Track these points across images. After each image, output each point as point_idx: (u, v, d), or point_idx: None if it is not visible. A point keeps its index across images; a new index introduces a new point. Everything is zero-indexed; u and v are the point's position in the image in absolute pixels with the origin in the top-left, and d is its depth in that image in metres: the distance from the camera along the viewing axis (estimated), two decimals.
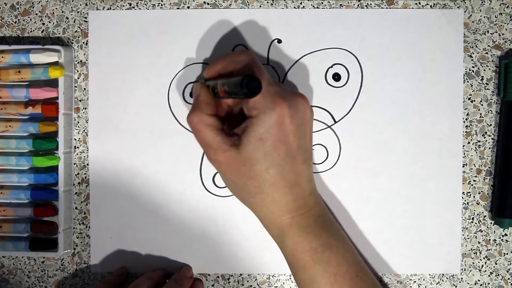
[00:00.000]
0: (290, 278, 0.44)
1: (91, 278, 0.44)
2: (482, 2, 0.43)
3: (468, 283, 0.43)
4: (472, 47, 0.43)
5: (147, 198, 0.44)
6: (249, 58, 0.36)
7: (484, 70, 0.43)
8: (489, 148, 0.43)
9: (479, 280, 0.43)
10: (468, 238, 0.43)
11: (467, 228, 0.43)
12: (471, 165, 0.43)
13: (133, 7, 0.44)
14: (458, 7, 0.43)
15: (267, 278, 0.44)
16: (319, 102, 0.43)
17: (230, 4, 0.44)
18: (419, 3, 0.43)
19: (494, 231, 0.43)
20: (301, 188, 0.36)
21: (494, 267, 0.43)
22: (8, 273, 0.45)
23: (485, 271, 0.43)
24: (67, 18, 0.44)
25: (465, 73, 0.43)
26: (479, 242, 0.43)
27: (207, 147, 0.36)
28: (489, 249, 0.43)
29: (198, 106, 0.36)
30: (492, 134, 0.43)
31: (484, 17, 0.43)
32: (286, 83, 0.43)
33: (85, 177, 0.44)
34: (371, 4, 0.43)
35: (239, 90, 0.31)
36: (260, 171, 0.35)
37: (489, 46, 0.43)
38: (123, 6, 0.44)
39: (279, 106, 0.34)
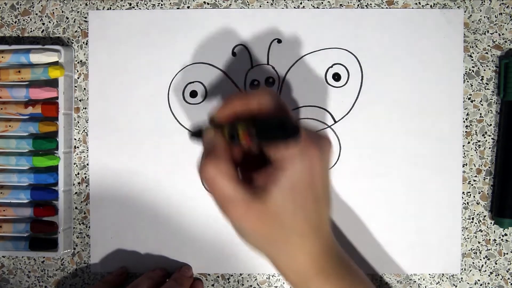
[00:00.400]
0: None
1: (91, 278, 0.44)
2: (482, 2, 0.43)
3: (468, 283, 0.43)
4: (472, 47, 0.43)
5: (147, 198, 0.44)
6: (276, 98, 0.32)
7: (484, 70, 0.43)
8: (489, 148, 0.43)
9: (479, 280, 0.43)
10: (468, 238, 0.43)
11: (467, 228, 0.43)
12: (471, 165, 0.43)
13: (133, 7, 0.44)
14: (458, 7, 0.43)
15: (267, 278, 0.44)
16: (319, 102, 0.43)
17: (230, 4, 0.44)
18: (419, 3, 0.43)
19: (494, 231, 0.43)
20: (324, 231, 0.34)
21: (494, 267, 0.43)
22: (8, 273, 0.45)
23: (485, 271, 0.43)
24: (67, 18, 0.44)
25: (465, 73, 0.43)
26: (479, 242, 0.43)
27: (226, 200, 0.31)
28: (489, 249, 0.43)
29: (213, 154, 0.31)
30: (492, 134, 0.43)
31: (484, 17, 0.43)
32: (286, 83, 0.43)
33: (85, 177, 0.44)
34: (371, 4, 0.43)
35: (275, 134, 0.28)
36: (287, 220, 0.32)
37: (489, 46, 0.43)
38: (123, 6, 0.44)
39: (311, 151, 0.31)
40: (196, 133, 0.35)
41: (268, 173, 0.32)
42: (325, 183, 0.33)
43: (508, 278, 0.43)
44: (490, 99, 0.43)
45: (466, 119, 0.43)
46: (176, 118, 0.44)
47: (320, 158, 0.32)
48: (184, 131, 0.44)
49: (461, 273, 0.43)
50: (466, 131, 0.43)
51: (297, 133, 0.28)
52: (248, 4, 0.44)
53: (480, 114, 0.43)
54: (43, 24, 0.44)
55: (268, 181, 0.31)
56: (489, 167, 0.43)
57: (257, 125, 0.30)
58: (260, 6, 0.44)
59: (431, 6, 0.43)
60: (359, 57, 0.43)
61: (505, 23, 0.43)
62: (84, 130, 0.44)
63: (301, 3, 0.43)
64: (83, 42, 0.44)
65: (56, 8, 0.44)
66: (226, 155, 0.32)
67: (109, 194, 0.44)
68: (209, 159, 0.31)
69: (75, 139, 0.44)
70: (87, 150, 0.44)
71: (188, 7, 0.44)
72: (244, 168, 0.34)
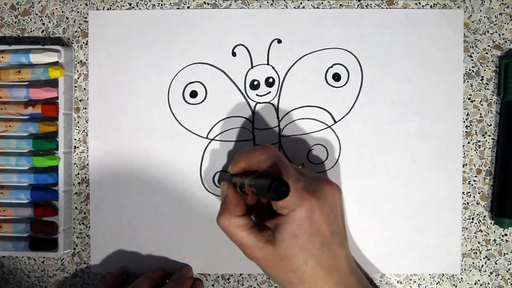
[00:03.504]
0: None
1: (91, 278, 0.44)
2: (482, 2, 0.43)
3: (468, 283, 0.43)
4: (472, 47, 0.43)
5: (147, 198, 0.44)
6: (273, 154, 0.36)
7: (484, 70, 0.43)
8: (489, 148, 0.43)
9: (479, 280, 0.43)
10: (468, 238, 0.43)
11: (467, 228, 0.43)
12: (471, 165, 0.43)
13: (133, 7, 0.44)
14: (458, 7, 0.43)
15: (267, 278, 0.44)
16: (319, 102, 0.43)
17: (230, 4, 0.44)
18: (419, 3, 0.43)
19: (494, 231, 0.43)
20: (340, 271, 0.37)
21: (494, 267, 0.43)
22: (8, 273, 0.45)
23: (485, 271, 0.43)
24: (67, 18, 0.44)
25: (465, 73, 0.43)
26: (479, 242, 0.43)
27: (242, 247, 0.36)
28: (489, 249, 0.43)
29: (227, 208, 0.37)
30: (492, 134, 0.43)
31: (484, 17, 0.43)
32: (286, 83, 0.43)
33: (85, 177, 0.44)
34: (371, 4, 0.43)
35: (266, 194, 0.31)
36: (298, 264, 0.35)
37: (489, 46, 0.43)
38: (123, 6, 0.44)
39: (307, 201, 0.34)
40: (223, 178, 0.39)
41: (275, 221, 0.36)
42: (333, 227, 0.36)
43: (508, 278, 0.43)
44: (490, 99, 0.43)
45: (466, 119, 0.43)
46: (176, 118, 0.44)
47: (319, 207, 0.35)
48: (184, 131, 0.44)
49: (461, 273, 0.43)
50: (466, 131, 0.43)
51: (284, 194, 0.31)
52: (248, 4, 0.44)
53: (480, 114, 0.43)
54: (43, 24, 0.44)
55: (275, 228, 0.35)
56: (489, 167, 0.43)
57: (253, 185, 0.34)
58: (260, 6, 0.44)
59: (431, 6, 0.43)
60: (359, 57, 0.43)
61: (505, 23, 0.43)
62: (84, 130, 0.44)
63: (301, 3, 0.43)
64: (83, 42, 0.44)
65: (56, 8, 0.44)
66: (238, 208, 0.36)
67: (109, 194, 0.44)
68: (223, 212, 0.37)
69: (75, 139, 0.44)
70: (87, 150, 0.44)
71: (188, 7, 0.44)
72: (260, 211, 0.39)
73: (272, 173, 0.35)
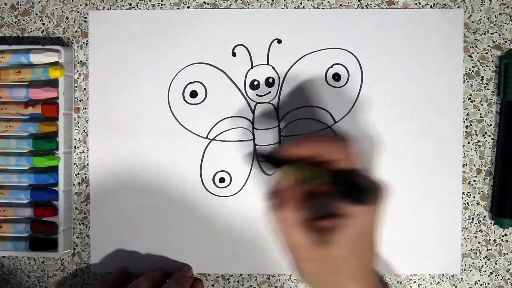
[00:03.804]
0: (290, 278, 0.44)
1: (91, 278, 0.44)
2: (482, 2, 0.43)
3: (468, 283, 0.43)
4: (472, 47, 0.43)
5: (147, 198, 0.44)
6: (347, 146, 0.33)
7: (484, 70, 0.43)
8: (489, 148, 0.43)
9: (479, 280, 0.43)
10: (468, 238, 0.43)
11: (467, 228, 0.43)
12: (471, 165, 0.43)
13: (133, 7, 0.44)
14: (458, 7, 0.43)
15: (267, 278, 0.44)
16: (319, 102, 0.43)
17: (230, 4, 0.44)
18: (419, 3, 0.43)
19: (494, 231, 0.43)
20: (374, 274, 0.36)
21: (494, 267, 0.43)
22: (8, 273, 0.45)
23: (485, 271, 0.43)
24: (67, 18, 0.44)
25: (465, 73, 0.43)
26: (479, 242, 0.43)
27: (294, 244, 0.34)
28: (489, 249, 0.43)
29: (286, 202, 0.33)
30: (492, 134, 0.43)
31: (484, 17, 0.43)
32: (286, 83, 0.43)
33: (85, 177, 0.44)
34: (371, 4, 0.43)
35: (351, 195, 0.30)
36: (346, 266, 0.34)
37: (489, 46, 0.43)
38: (123, 6, 0.44)
39: (373, 207, 0.33)
40: (267, 159, 0.36)
41: (334, 222, 0.33)
42: (378, 230, 0.35)
43: (508, 278, 0.43)
44: (490, 99, 0.43)
45: (466, 119, 0.43)
46: (176, 118, 0.44)
47: (378, 212, 0.33)
48: (184, 131, 0.44)
49: (461, 273, 0.43)
50: (466, 131, 0.43)
51: (368, 200, 0.30)
52: (248, 4, 0.44)
53: (480, 114, 0.43)
54: (43, 24, 0.44)
55: (333, 230, 0.33)
56: (489, 167, 0.43)
57: (333, 181, 0.31)
58: (260, 6, 0.44)
59: (431, 6, 0.43)
60: (359, 57, 0.43)
61: (505, 23, 0.43)
62: (84, 130, 0.44)
63: (301, 3, 0.43)
64: (83, 42, 0.44)
65: (56, 8, 0.44)
66: (297, 201, 0.33)
67: (109, 194, 0.44)
68: (283, 204, 0.33)
69: (75, 139, 0.44)
70: (87, 150, 0.44)
71: (188, 7, 0.44)
72: (311, 209, 0.36)
73: (345, 165, 0.33)
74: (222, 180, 0.44)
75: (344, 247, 0.33)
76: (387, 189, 0.34)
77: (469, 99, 0.43)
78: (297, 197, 0.34)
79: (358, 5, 0.43)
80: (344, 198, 0.32)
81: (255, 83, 0.44)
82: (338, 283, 0.34)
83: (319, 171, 0.33)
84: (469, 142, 0.43)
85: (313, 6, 0.43)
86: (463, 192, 0.43)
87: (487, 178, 0.43)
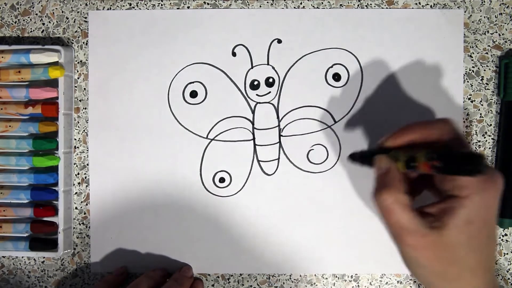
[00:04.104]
0: (290, 278, 0.44)
1: (91, 278, 0.44)
2: (482, 2, 0.43)
3: None
4: (472, 47, 0.43)
5: (147, 198, 0.44)
6: (456, 127, 0.32)
7: (484, 70, 0.43)
8: (489, 148, 0.43)
9: None
10: None
11: None
12: None
13: (133, 7, 0.44)
14: (458, 7, 0.43)
15: (267, 278, 0.44)
16: (319, 102, 0.43)
17: (230, 4, 0.44)
18: (419, 3, 0.43)
19: None
20: (491, 269, 0.33)
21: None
22: (8, 273, 0.45)
23: None
24: (67, 18, 0.44)
25: (465, 73, 0.43)
26: None
27: (401, 230, 0.31)
28: None
29: (391, 183, 0.32)
30: (492, 134, 0.43)
31: (484, 17, 0.43)
32: (286, 83, 0.43)
33: (85, 177, 0.44)
34: (371, 4, 0.43)
35: (461, 168, 0.28)
36: (462, 256, 0.31)
37: (489, 46, 0.43)
38: (123, 6, 0.44)
39: (492, 185, 0.31)
40: (356, 157, 0.36)
41: (445, 205, 0.31)
42: (496, 220, 0.32)
43: (508, 278, 0.43)
44: (490, 99, 0.43)
45: (466, 119, 0.43)
46: (176, 118, 0.44)
47: (497, 193, 0.31)
48: (184, 131, 0.44)
49: None
50: (466, 131, 0.43)
51: (483, 169, 0.28)
52: (248, 4, 0.44)
53: (480, 114, 0.43)
54: (43, 24, 0.44)
55: (445, 213, 0.31)
56: None
57: (441, 157, 0.30)
58: (260, 6, 0.44)
59: (431, 6, 0.43)
60: (359, 57, 0.43)
61: (505, 23, 0.43)
62: (84, 130, 0.44)
63: (301, 3, 0.43)
64: (83, 42, 0.44)
65: (56, 8, 0.44)
66: (402, 184, 0.32)
67: (109, 194, 0.44)
68: (386, 188, 0.32)
69: (75, 139, 0.44)
70: (87, 150, 0.44)
71: (188, 7, 0.44)
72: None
73: (455, 147, 0.31)
74: (222, 180, 0.44)
75: (459, 231, 0.30)
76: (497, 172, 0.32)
77: (469, 99, 0.43)
78: (400, 180, 0.32)
79: (358, 5, 0.43)
80: (454, 172, 0.30)
81: (255, 83, 0.44)
82: (453, 277, 0.32)
83: (414, 152, 0.32)
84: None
85: (313, 6, 0.43)
86: None
87: None
